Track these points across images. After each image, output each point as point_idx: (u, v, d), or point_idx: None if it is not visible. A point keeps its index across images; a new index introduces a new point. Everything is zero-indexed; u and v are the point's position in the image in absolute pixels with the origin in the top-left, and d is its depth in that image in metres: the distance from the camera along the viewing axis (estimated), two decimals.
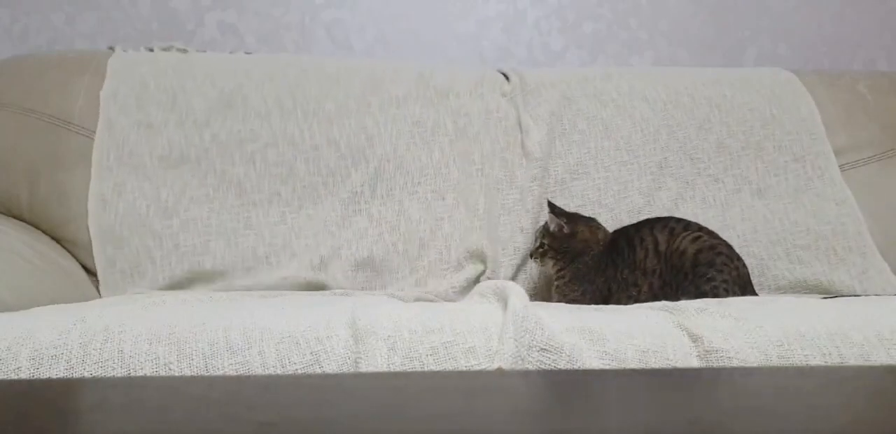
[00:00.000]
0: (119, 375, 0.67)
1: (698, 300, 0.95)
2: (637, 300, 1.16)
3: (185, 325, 0.72)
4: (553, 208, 1.28)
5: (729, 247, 1.21)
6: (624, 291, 1.21)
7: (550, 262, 1.28)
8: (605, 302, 1.20)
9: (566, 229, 1.25)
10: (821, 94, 1.60)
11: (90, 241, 1.35)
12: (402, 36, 1.80)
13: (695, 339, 0.76)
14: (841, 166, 1.53)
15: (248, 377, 0.62)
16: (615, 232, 1.29)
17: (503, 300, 0.81)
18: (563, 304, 1.14)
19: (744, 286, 1.18)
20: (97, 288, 1.31)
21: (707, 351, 0.74)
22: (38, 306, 0.94)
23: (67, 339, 0.70)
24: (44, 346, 0.69)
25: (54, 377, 0.67)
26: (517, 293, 0.81)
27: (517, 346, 0.71)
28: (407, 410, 0.43)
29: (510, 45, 1.83)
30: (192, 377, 0.64)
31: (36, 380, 0.65)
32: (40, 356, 0.68)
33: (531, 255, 1.32)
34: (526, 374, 0.65)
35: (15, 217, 1.38)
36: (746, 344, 0.75)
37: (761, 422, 0.40)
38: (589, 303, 1.19)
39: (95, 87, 1.45)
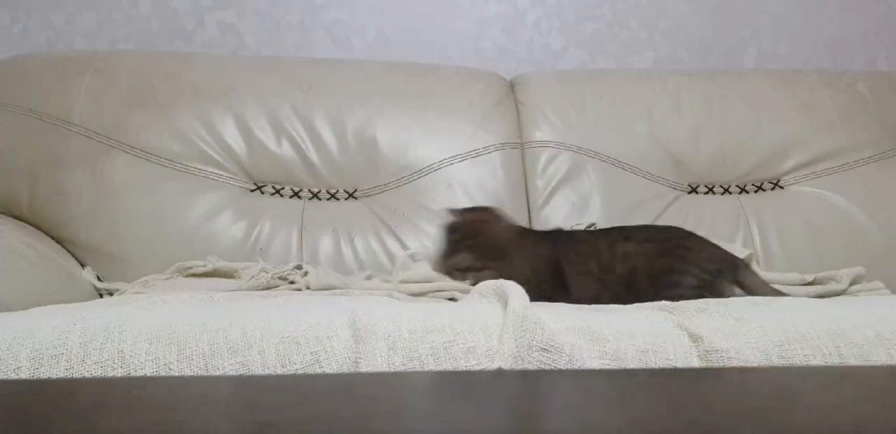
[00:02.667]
0: (119, 375, 0.67)
1: (699, 300, 0.94)
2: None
3: (185, 325, 0.72)
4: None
5: (680, 235, 1.16)
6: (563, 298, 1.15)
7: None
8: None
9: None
10: (821, 94, 1.60)
11: (90, 240, 1.35)
12: (402, 36, 1.80)
13: (695, 339, 0.76)
14: (841, 166, 1.54)
15: (248, 377, 0.62)
16: (560, 236, 1.24)
17: (503, 300, 0.81)
18: (563, 304, 1.14)
19: (718, 269, 1.12)
20: (97, 289, 1.31)
21: (707, 351, 0.74)
22: (38, 306, 0.94)
23: (67, 339, 0.70)
24: (44, 346, 0.69)
25: (54, 377, 0.66)
26: (517, 293, 0.81)
27: (517, 346, 0.71)
28: (407, 410, 0.43)
29: (510, 45, 1.83)
30: (192, 377, 0.64)
31: (36, 380, 0.65)
32: (40, 356, 0.68)
33: None
34: (526, 374, 0.65)
35: (15, 217, 1.38)
36: (747, 344, 0.75)
37: (761, 422, 0.40)
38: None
39: (95, 87, 1.45)
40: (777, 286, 1.30)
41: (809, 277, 1.34)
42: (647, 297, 1.01)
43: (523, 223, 1.47)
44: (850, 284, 1.32)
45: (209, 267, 1.27)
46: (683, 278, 1.10)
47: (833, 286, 1.31)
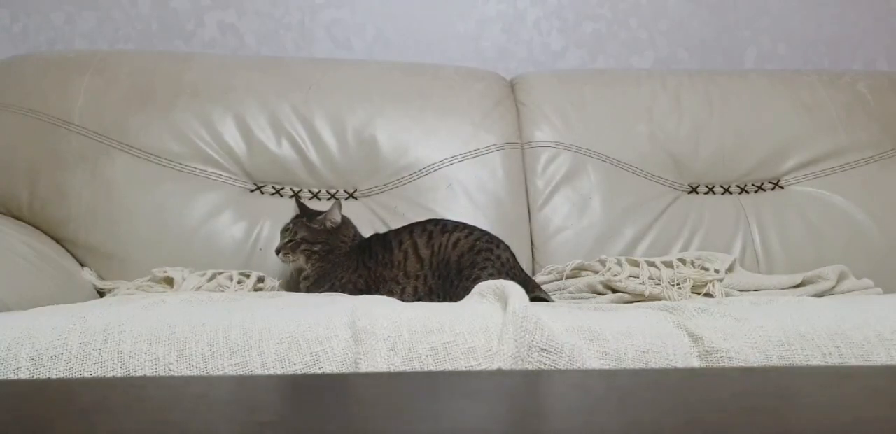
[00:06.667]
0: (119, 376, 0.67)
1: (699, 300, 0.94)
2: (401, 298, 1.13)
3: (185, 325, 0.72)
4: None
5: (489, 239, 1.21)
6: (384, 286, 1.21)
7: (303, 258, 1.26)
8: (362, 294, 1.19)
9: (337, 222, 1.27)
10: (821, 94, 1.60)
11: (90, 240, 1.35)
12: (402, 36, 1.80)
13: (695, 339, 0.76)
14: (841, 166, 1.54)
15: (248, 377, 0.62)
16: (371, 236, 1.30)
17: (503, 300, 0.81)
18: (562, 305, 1.14)
19: (509, 271, 1.18)
20: (97, 289, 1.31)
21: (707, 351, 0.74)
22: (38, 306, 0.94)
23: (67, 339, 0.70)
24: (44, 346, 0.69)
25: (54, 377, 0.66)
26: (517, 293, 0.81)
27: (517, 347, 0.71)
28: (407, 410, 0.43)
29: (510, 45, 1.83)
30: (192, 377, 0.64)
31: (36, 380, 0.65)
32: (40, 356, 0.68)
33: (277, 251, 1.28)
34: (526, 374, 0.65)
35: (15, 217, 1.38)
36: (747, 344, 0.75)
37: (761, 422, 0.40)
38: None
39: (95, 87, 1.45)
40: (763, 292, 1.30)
41: (798, 279, 1.34)
42: (457, 289, 1.13)
43: (524, 223, 1.48)
44: (838, 280, 1.33)
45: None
46: (484, 272, 1.15)
47: (823, 284, 1.32)
